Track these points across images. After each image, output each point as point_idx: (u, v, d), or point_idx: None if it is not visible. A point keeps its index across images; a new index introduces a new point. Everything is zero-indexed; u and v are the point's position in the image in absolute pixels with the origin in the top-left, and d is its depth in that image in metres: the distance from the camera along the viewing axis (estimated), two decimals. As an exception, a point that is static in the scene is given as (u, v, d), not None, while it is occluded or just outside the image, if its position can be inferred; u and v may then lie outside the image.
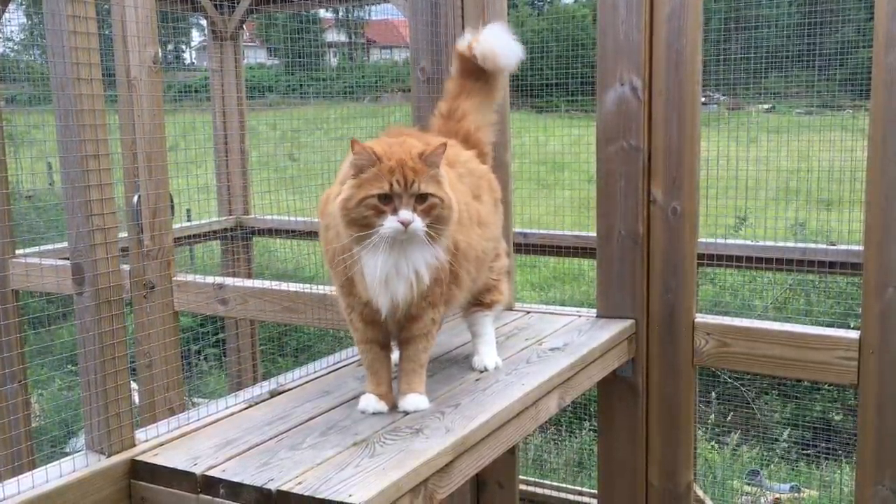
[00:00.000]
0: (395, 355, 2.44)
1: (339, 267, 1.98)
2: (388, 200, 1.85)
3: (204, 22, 5.21)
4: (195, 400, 5.76)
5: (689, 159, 2.75)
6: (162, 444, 1.89)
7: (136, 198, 3.52)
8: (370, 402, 2.05)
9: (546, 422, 3.35)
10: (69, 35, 1.69)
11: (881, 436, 2.61)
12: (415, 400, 2.06)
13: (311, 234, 4.69)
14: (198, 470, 1.74)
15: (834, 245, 3.80)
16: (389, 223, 1.84)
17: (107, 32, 4.11)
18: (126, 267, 3.59)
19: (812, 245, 3.72)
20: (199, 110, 5.68)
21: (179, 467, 1.77)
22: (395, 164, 1.85)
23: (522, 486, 4.14)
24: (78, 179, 1.74)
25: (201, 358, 7.26)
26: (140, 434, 1.92)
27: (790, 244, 3.82)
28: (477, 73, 2.50)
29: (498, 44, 2.43)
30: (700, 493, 3.54)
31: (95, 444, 1.83)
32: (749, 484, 5.47)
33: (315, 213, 2.26)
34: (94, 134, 1.75)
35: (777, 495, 5.34)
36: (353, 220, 1.86)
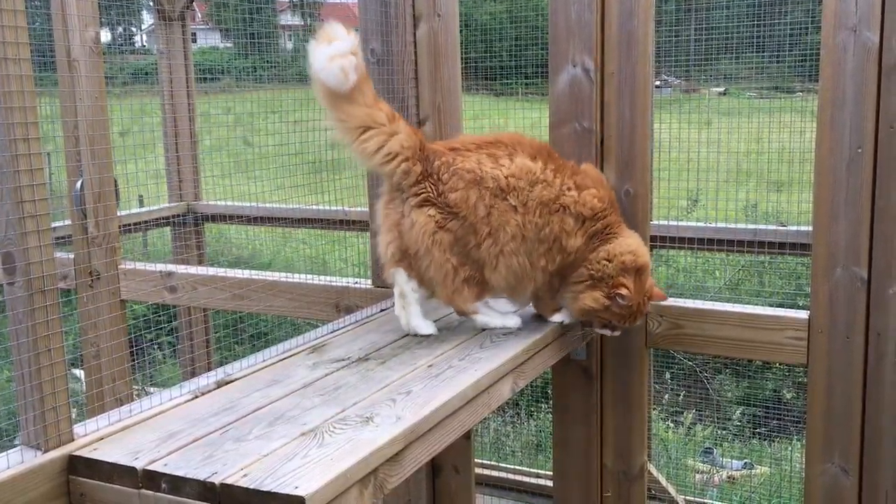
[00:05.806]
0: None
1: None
2: None
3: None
4: (149, 389, 5.65)
5: (640, 141, 2.75)
6: (102, 439, 1.83)
7: (78, 183, 3.41)
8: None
9: (505, 404, 3.35)
10: (-6, 12, 1.60)
11: (830, 415, 2.65)
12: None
13: (268, 220, 4.62)
14: (139, 464, 1.69)
15: (784, 226, 3.84)
16: None
17: (50, 12, 3.96)
18: (70, 255, 3.49)
19: (763, 226, 3.75)
20: (151, 94, 5.52)
21: (119, 462, 1.71)
22: None
23: (479, 470, 4.15)
24: (6, 164, 1.65)
25: (155, 346, 7.12)
26: (79, 428, 1.85)
27: (742, 226, 3.84)
28: None
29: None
30: (655, 472, 3.58)
31: (31, 440, 1.76)
32: (703, 462, 5.55)
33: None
34: (23, 117, 1.66)
35: (730, 473, 5.43)
36: None
